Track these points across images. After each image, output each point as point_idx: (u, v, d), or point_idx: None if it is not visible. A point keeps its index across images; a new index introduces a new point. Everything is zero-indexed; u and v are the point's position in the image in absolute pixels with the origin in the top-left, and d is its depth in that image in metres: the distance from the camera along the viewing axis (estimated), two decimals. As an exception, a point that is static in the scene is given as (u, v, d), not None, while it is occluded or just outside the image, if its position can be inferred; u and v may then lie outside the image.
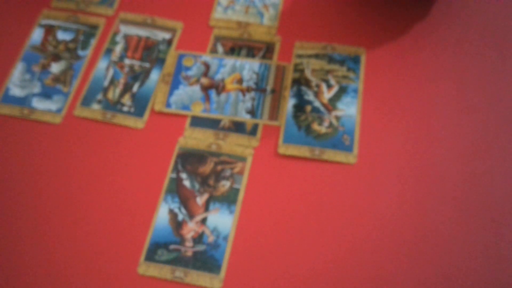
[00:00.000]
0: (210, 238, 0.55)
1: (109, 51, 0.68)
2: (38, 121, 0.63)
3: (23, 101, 0.64)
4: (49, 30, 0.70)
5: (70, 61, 0.67)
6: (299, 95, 0.63)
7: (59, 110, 0.64)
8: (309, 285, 0.52)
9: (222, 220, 0.56)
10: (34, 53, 0.68)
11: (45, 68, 0.67)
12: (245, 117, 0.62)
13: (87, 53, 0.68)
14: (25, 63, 0.67)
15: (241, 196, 0.57)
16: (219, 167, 0.59)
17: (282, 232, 0.55)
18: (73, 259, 0.54)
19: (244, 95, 0.63)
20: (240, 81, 0.64)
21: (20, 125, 0.63)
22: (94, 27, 0.70)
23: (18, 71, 0.67)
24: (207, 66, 0.66)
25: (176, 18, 0.70)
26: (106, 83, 0.65)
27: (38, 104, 0.64)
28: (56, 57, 0.68)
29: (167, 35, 0.69)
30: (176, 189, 0.58)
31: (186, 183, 0.58)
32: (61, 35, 0.70)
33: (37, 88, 0.65)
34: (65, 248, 0.55)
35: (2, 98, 0.65)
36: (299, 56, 0.66)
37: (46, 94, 0.65)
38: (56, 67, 0.67)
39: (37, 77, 0.66)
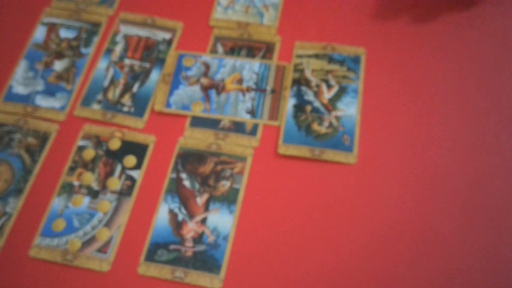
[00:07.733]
0: (210, 238, 0.55)
1: (109, 51, 0.68)
2: (41, 118, 0.64)
3: (26, 99, 0.65)
4: (52, 28, 0.70)
5: (73, 58, 0.68)
6: (299, 95, 0.63)
7: (62, 108, 0.64)
8: (309, 285, 0.52)
9: (222, 220, 0.56)
10: (37, 51, 0.68)
11: (48, 66, 0.67)
12: (245, 117, 0.62)
13: (90, 50, 0.68)
14: (28, 61, 0.68)
15: (241, 196, 0.57)
16: (219, 167, 0.59)
17: (282, 232, 0.55)
18: (74, 259, 0.55)
19: (244, 95, 0.63)
20: (240, 81, 0.64)
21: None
22: (97, 25, 0.70)
23: (21, 69, 0.67)
24: (207, 66, 0.66)
25: (176, 18, 0.70)
26: (106, 83, 0.65)
27: (42, 101, 0.64)
28: (59, 55, 0.68)
29: (167, 35, 0.69)
30: (176, 189, 0.58)
31: (186, 183, 0.58)
32: (64, 33, 0.70)
33: (40, 86, 0.66)
34: (67, 248, 0.56)
35: (5, 96, 0.65)
36: (299, 56, 0.66)
37: (50, 91, 0.65)
38: (59, 65, 0.67)
39: (40, 75, 0.66)
